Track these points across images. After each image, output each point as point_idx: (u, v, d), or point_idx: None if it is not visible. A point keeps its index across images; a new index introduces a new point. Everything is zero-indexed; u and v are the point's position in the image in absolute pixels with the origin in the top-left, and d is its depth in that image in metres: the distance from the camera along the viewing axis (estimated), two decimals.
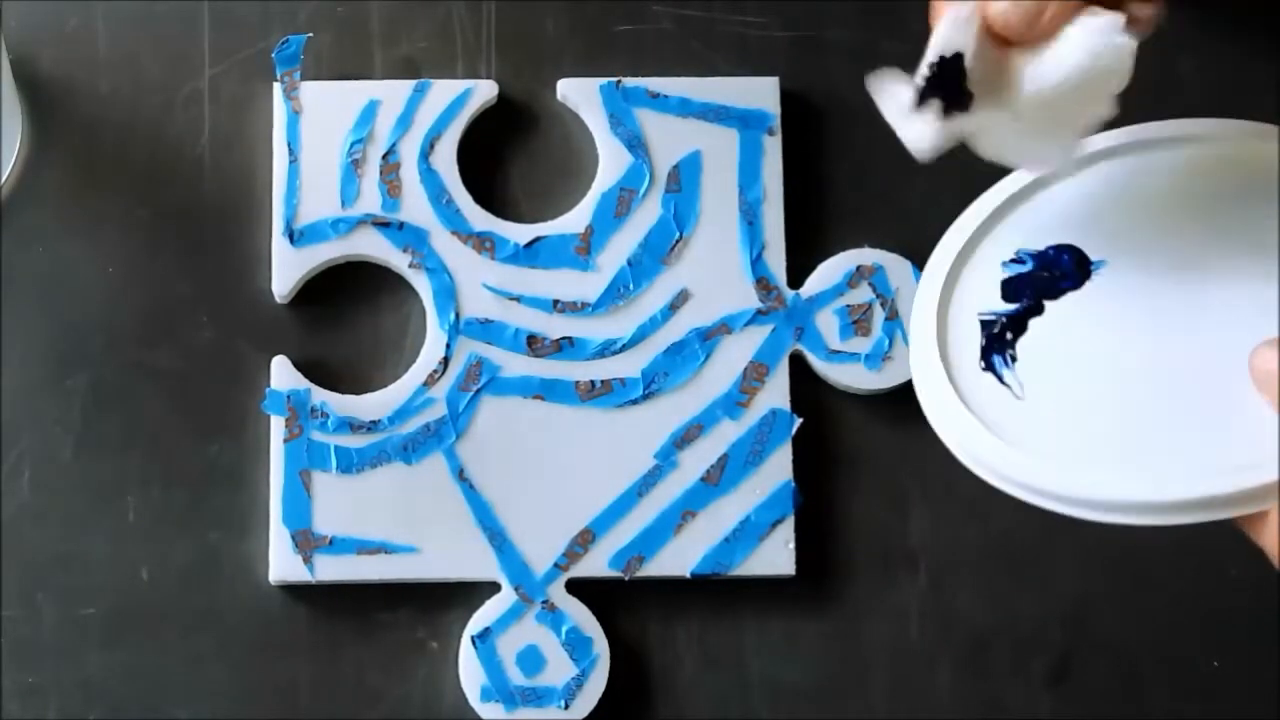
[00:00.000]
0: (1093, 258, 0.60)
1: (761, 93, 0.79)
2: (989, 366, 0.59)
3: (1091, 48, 0.57)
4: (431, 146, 0.79)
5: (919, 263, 0.72)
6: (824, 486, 0.77)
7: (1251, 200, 0.60)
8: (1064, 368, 0.59)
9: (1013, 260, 0.62)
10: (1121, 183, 0.62)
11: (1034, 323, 0.59)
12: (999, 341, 0.59)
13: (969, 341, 0.59)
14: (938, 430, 0.60)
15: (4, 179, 0.78)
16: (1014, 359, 0.59)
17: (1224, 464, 0.55)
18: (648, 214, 0.78)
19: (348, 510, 0.75)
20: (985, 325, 0.59)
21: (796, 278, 0.78)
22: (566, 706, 0.75)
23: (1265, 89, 0.80)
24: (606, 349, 0.77)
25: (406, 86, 0.79)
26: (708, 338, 0.77)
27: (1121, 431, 0.57)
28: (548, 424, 0.76)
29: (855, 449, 0.78)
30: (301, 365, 0.77)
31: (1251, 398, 0.55)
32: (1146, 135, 0.62)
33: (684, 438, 0.76)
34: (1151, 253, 0.59)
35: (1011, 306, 0.60)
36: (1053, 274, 0.60)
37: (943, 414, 0.59)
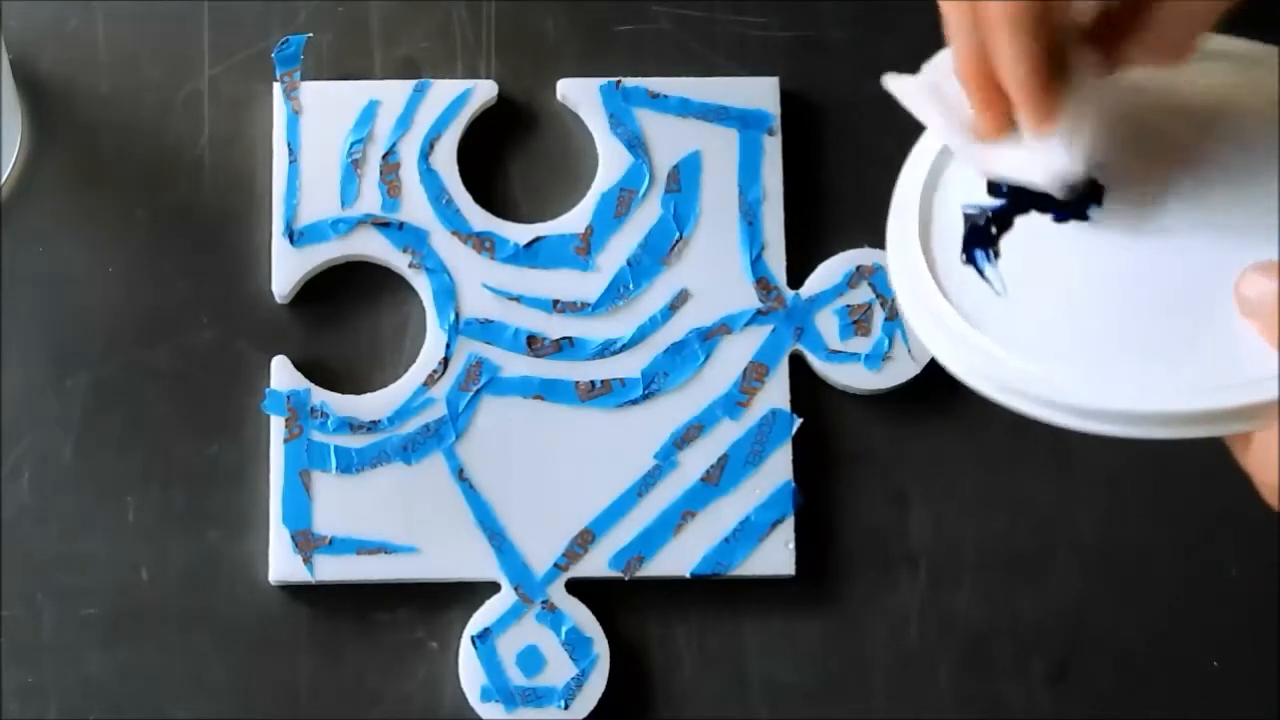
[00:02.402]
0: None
1: (761, 93, 0.79)
2: (970, 259, 0.58)
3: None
4: (431, 146, 0.78)
5: None
6: (824, 486, 0.77)
7: (1255, 121, 0.59)
8: (1049, 269, 0.57)
9: None
10: (1123, 96, 0.60)
11: (1020, 220, 0.58)
12: (982, 234, 0.58)
13: (951, 232, 0.58)
14: (909, 319, 0.58)
15: (4, 179, 0.78)
16: (996, 255, 0.58)
17: (1209, 381, 0.54)
18: (648, 214, 0.78)
19: (348, 510, 0.75)
20: (969, 217, 0.58)
21: (796, 278, 0.78)
22: (566, 706, 0.75)
23: None
24: (606, 349, 0.77)
25: (406, 86, 0.79)
26: (708, 338, 0.77)
27: (1106, 338, 0.56)
28: (548, 424, 0.76)
29: (855, 449, 0.78)
30: (301, 365, 0.77)
31: (1241, 320, 0.55)
32: None
33: (684, 438, 0.76)
34: (1150, 160, 0.59)
35: (998, 201, 0.58)
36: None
37: (917, 301, 0.57)
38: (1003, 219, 0.58)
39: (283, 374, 0.77)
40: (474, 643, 0.75)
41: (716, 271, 0.78)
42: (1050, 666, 0.76)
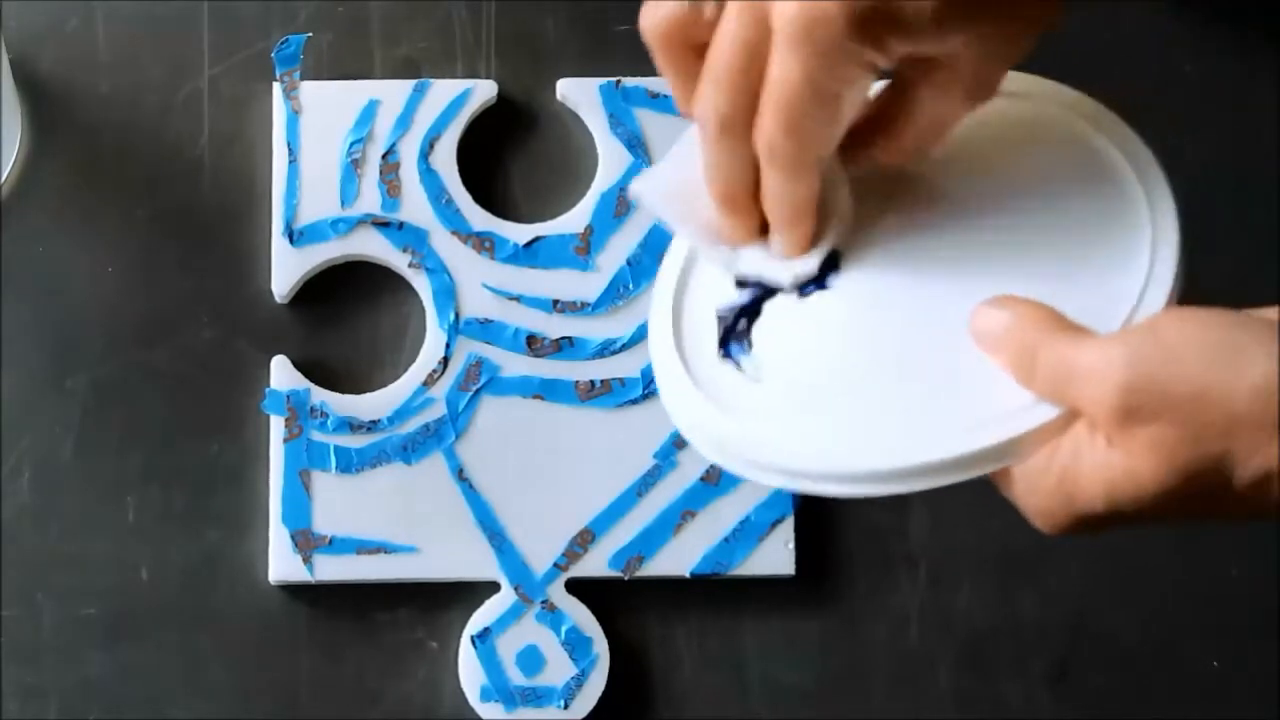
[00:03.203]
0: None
1: None
2: (726, 354, 0.59)
3: None
4: (431, 146, 0.78)
5: None
6: None
7: (985, 160, 0.59)
8: (800, 346, 0.58)
9: None
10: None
11: (768, 306, 0.59)
12: (734, 330, 0.59)
13: (706, 334, 0.59)
14: (677, 422, 0.59)
15: (4, 179, 0.78)
16: (750, 345, 0.59)
17: (961, 426, 0.55)
18: (647, 214, 0.78)
19: (347, 510, 0.75)
20: (721, 318, 0.60)
21: None
22: (566, 706, 0.75)
23: (1265, 88, 0.80)
24: (606, 349, 0.77)
25: (406, 86, 0.79)
26: None
27: (857, 403, 0.56)
28: (547, 424, 0.76)
29: None
30: (301, 365, 0.77)
31: (984, 358, 0.55)
32: None
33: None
34: (883, 217, 0.59)
35: (745, 296, 0.60)
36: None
37: (680, 404, 0.59)
38: (752, 310, 0.59)
39: (283, 374, 0.77)
40: (474, 642, 0.75)
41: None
42: (1050, 666, 0.76)
